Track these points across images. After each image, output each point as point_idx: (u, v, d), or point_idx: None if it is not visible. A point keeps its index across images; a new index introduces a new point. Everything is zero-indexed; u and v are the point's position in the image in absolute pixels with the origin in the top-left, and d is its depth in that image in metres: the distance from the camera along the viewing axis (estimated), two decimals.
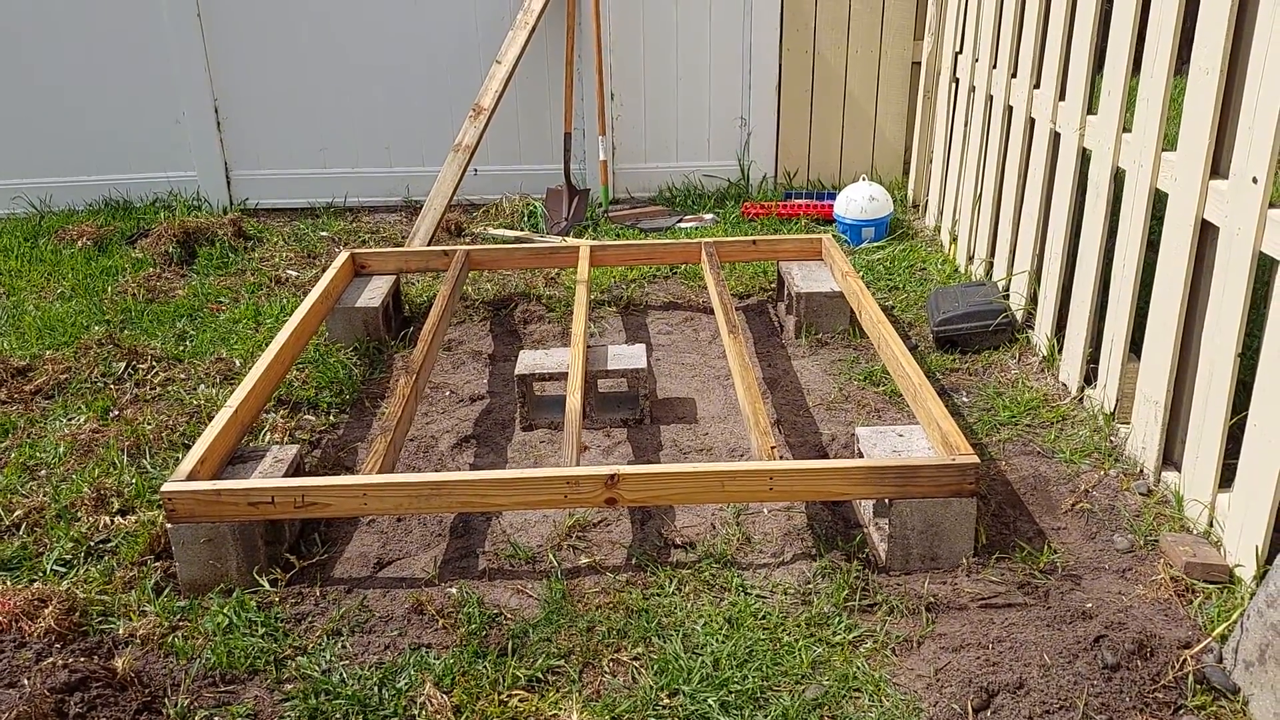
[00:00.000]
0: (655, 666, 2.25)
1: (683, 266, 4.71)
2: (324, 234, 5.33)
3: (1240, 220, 2.45)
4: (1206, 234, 2.65)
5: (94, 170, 5.70)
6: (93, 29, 5.45)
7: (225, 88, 5.57)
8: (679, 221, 5.33)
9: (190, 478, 2.55)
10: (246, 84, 5.57)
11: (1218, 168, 2.61)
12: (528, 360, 3.43)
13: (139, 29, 5.45)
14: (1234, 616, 2.24)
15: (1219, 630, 2.24)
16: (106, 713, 2.10)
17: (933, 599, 2.44)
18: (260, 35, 5.48)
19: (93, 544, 2.73)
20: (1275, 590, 2.06)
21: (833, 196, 5.30)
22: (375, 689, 2.21)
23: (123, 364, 3.75)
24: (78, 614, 2.42)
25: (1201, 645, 2.20)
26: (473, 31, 5.50)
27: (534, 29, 5.23)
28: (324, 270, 4.60)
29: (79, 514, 2.85)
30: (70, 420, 3.40)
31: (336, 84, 5.58)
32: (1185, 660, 2.15)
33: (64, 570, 2.64)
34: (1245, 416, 2.44)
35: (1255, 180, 2.38)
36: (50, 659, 2.20)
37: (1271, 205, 2.37)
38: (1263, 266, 2.45)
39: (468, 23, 5.49)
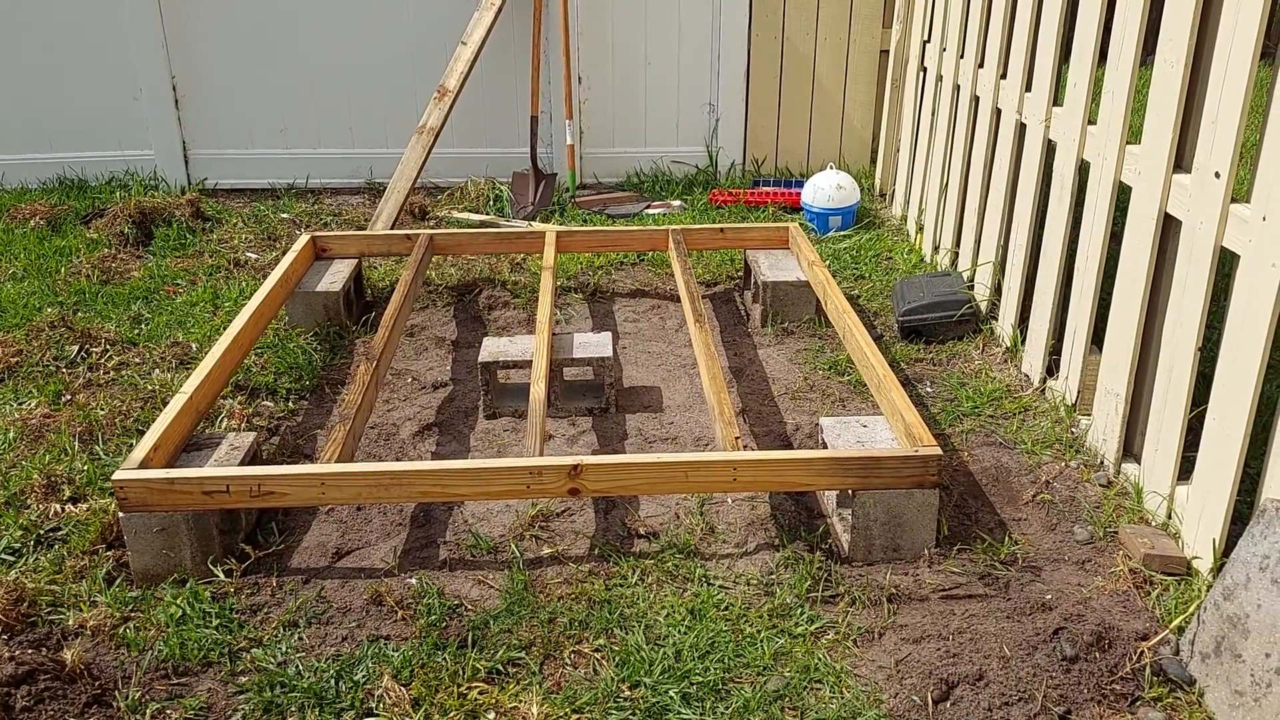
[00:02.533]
0: (617, 658, 2.23)
1: (650, 253, 4.68)
2: (284, 216, 5.24)
3: (1202, 214, 2.46)
4: (1169, 228, 2.67)
5: (48, 148, 5.56)
6: (45, 3, 5.31)
7: (183, 65, 5.45)
8: (646, 207, 5.30)
9: (143, 465, 2.50)
10: (205, 61, 5.45)
11: (1181, 161, 2.62)
12: (492, 347, 3.39)
13: (94, 3, 5.31)
14: (1191, 609, 2.27)
15: (1176, 622, 2.26)
16: (55, 706, 2.05)
17: (894, 590, 2.44)
18: (220, 11, 5.37)
19: (43, 532, 2.67)
20: (1232, 582, 2.08)
21: (800, 184, 5.29)
22: (332, 681, 2.18)
23: (76, 347, 3.67)
24: (26, 604, 2.36)
25: (1159, 637, 2.22)
26: (438, 11, 5.41)
27: (500, 10, 5.16)
28: (284, 253, 4.52)
29: (29, 501, 2.78)
30: (21, 404, 3.32)
31: (299, 63, 5.48)
32: (1142, 652, 2.17)
33: (12, 559, 2.58)
34: (1205, 410, 2.46)
35: (1218, 175, 2.39)
36: None
37: (1233, 200, 2.38)
38: (1224, 261, 2.46)
39: (433, 2, 5.40)
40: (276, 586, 2.49)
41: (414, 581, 2.49)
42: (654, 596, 2.43)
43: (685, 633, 2.30)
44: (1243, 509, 2.46)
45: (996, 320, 3.77)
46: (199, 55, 5.44)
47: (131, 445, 3.03)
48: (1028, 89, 3.53)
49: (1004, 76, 3.74)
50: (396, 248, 4.23)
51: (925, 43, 4.73)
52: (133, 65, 5.42)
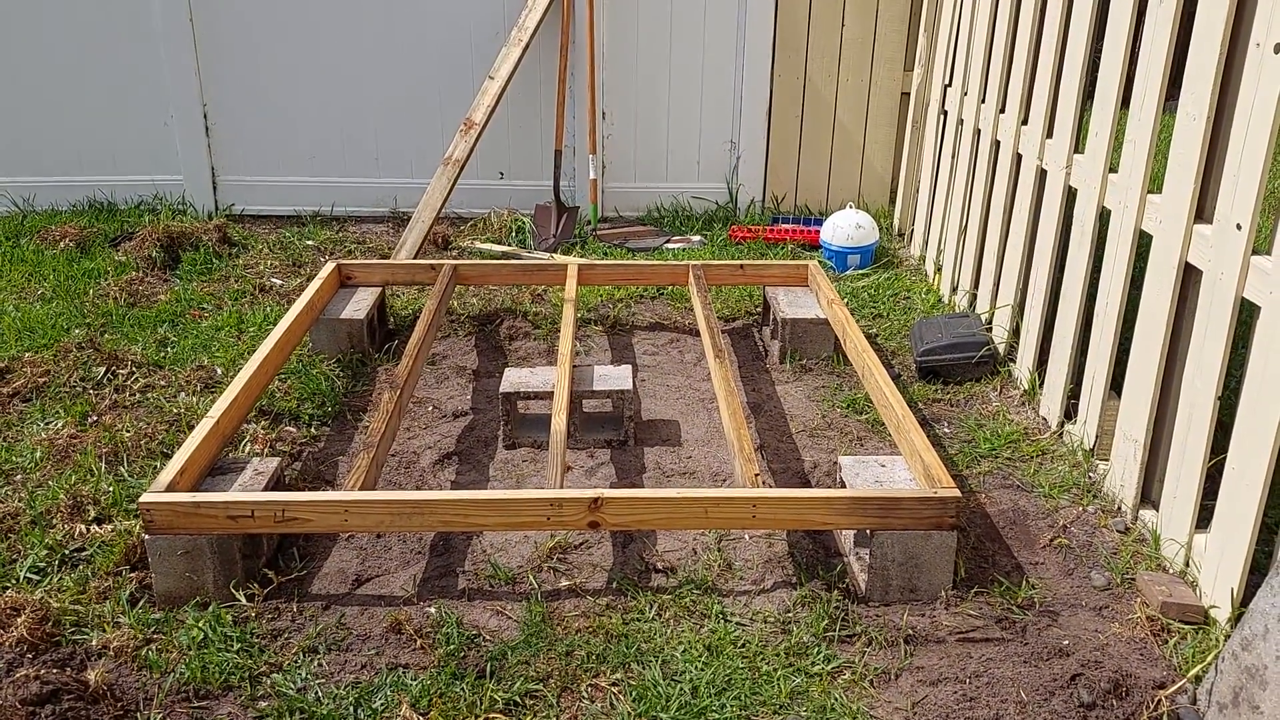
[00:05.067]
0: (634, 693, 2.24)
1: (670, 288, 4.72)
2: (309, 243, 5.31)
3: (1223, 265, 2.49)
4: (1190, 277, 2.69)
5: (79, 171, 5.66)
6: (81, 28, 5.43)
7: (214, 92, 5.55)
8: (666, 242, 5.35)
9: (170, 488, 2.53)
10: (236, 89, 5.55)
11: (1202, 212, 2.64)
12: (513, 378, 3.42)
13: (129, 30, 5.43)
14: (1209, 658, 2.27)
15: (1194, 671, 2.26)
16: None
17: (911, 631, 2.45)
18: (251, 40, 5.47)
19: (67, 552, 2.70)
20: (1250, 633, 2.08)
21: (819, 223, 5.33)
22: (351, 709, 2.19)
23: (102, 369, 3.72)
24: (51, 624, 2.39)
25: (1176, 686, 2.21)
26: (466, 46, 5.51)
27: (528, 46, 5.24)
28: (309, 280, 4.59)
29: (54, 521, 2.81)
30: (48, 424, 3.36)
31: (327, 92, 5.58)
32: (1160, 700, 2.17)
33: (37, 578, 2.61)
34: (1224, 458, 2.47)
35: (1239, 227, 2.42)
36: (22, 670, 2.17)
37: (1255, 252, 2.41)
38: (1244, 311, 2.48)
39: (461, 37, 5.50)
40: (297, 612, 2.51)
41: (433, 610, 2.51)
42: (671, 632, 2.45)
43: (702, 669, 2.31)
44: (1261, 559, 2.46)
45: (1014, 363, 3.79)
46: (230, 84, 5.54)
47: (156, 467, 3.07)
48: (1049, 135, 3.56)
49: (1025, 122, 3.79)
50: (420, 277, 4.28)
51: (946, 87, 4.79)
52: (165, 92, 5.52)
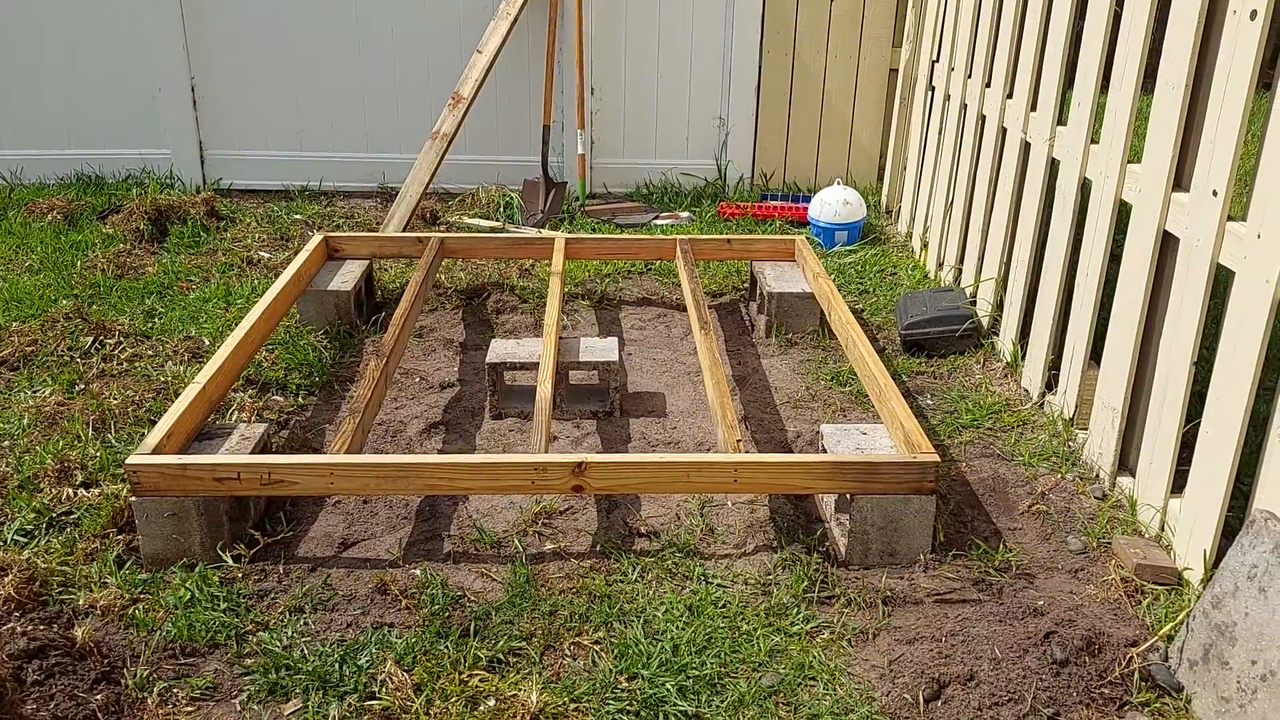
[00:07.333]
0: (615, 650, 2.28)
1: (657, 263, 4.74)
2: (297, 217, 5.31)
3: (1200, 232, 2.52)
4: (1168, 245, 2.72)
5: (66, 144, 5.65)
6: (70, 1, 5.39)
7: (202, 65, 5.53)
8: (655, 218, 5.36)
9: (156, 451, 2.55)
10: (224, 63, 5.54)
11: (1180, 180, 2.67)
12: (500, 349, 3.44)
13: (117, 3, 5.40)
14: (1180, 617, 2.31)
15: (1165, 630, 2.30)
16: (65, 680, 2.10)
17: (890, 593, 2.49)
18: (240, 14, 5.46)
19: (55, 515, 2.72)
20: (1221, 592, 2.12)
21: (808, 199, 5.35)
22: (336, 665, 2.22)
23: (90, 338, 3.73)
24: (38, 583, 2.41)
25: (1148, 644, 2.25)
26: (454, 20, 5.50)
27: (516, 20, 5.24)
28: (297, 252, 4.59)
29: (41, 485, 2.83)
30: (35, 392, 3.37)
31: (315, 67, 5.57)
32: (1132, 658, 2.21)
33: (25, 540, 2.63)
34: (1199, 425, 2.50)
35: (1215, 193, 2.44)
36: (9, 626, 2.19)
37: (1230, 218, 2.44)
38: (1220, 279, 2.51)
39: (449, 11, 5.49)
40: (283, 574, 2.54)
41: (418, 572, 2.54)
42: (653, 593, 2.48)
43: (683, 628, 2.34)
44: (1234, 524, 2.49)
45: (998, 335, 3.82)
46: (218, 57, 5.52)
47: (143, 434, 3.09)
48: (1033, 108, 3.59)
49: (1010, 96, 3.81)
50: (408, 250, 4.29)
51: (934, 62, 4.80)
52: (153, 65, 5.50)
